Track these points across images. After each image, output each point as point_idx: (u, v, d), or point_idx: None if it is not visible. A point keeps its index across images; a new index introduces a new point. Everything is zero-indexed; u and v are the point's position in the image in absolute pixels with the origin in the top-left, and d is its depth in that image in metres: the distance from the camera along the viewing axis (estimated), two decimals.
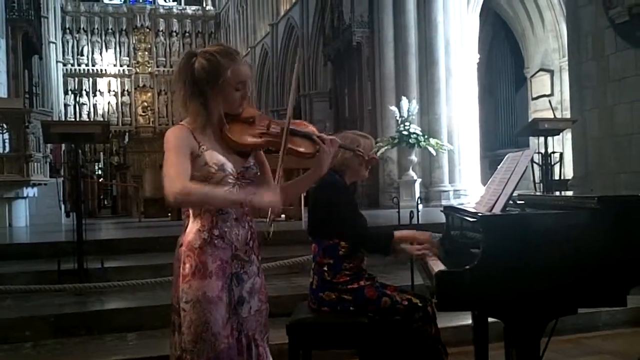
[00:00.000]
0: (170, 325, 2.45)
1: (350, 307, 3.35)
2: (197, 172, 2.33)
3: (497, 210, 2.91)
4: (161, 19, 33.27)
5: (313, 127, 2.57)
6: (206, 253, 2.35)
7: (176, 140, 2.34)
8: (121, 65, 32.55)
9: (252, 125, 2.44)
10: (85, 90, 31.80)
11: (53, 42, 25.76)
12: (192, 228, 2.40)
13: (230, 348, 2.35)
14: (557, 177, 8.62)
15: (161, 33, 33.12)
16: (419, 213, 5.06)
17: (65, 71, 30.35)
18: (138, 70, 32.64)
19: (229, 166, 2.38)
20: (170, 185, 2.24)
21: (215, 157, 2.36)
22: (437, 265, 3.04)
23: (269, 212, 2.36)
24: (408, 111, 13.49)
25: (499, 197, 2.98)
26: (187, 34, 33.43)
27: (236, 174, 2.41)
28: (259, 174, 2.50)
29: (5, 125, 10.37)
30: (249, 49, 29.02)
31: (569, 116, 12.25)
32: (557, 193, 5.46)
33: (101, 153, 25.94)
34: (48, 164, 11.48)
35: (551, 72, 17.46)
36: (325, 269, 3.39)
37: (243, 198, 2.34)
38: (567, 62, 12.03)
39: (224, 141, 2.41)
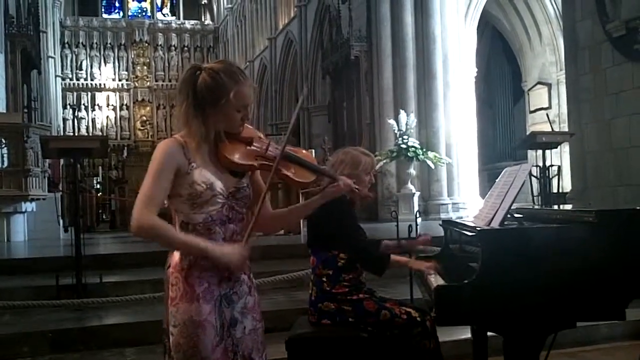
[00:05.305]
0: (162, 346, 2.39)
1: (350, 318, 3.35)
2: (186, 190, 2.26)
3: (495, 224, 2.91)
4: (160, 34, 33.37)
5: (307, 153, 2.51)
6: (193, 276, 2.28)
7: (161, 159, 2.25)
8: (120, 80, 32.59)
9: (249, 146, 2.36)
10: (83, 104, 31.81)
11: (52, 57, 25.87)
12: None
13: None
14: (555, 190, 8.62)
15: (160, 47, 33.20)
16: (418, 226, 5.07)
17: (64, 85, 30.43)
18: (137, 85, 32.67)
19: (219, 185, 2.29)
20: (137, 212, 2.19)
21: (204, 175, 2.27)
22: (436, 280, 3.05)
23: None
24: (406, 124, 13.52)
25: (497, 211, 2.98)
26: (185, 49, 33.52)
27: (227, 193, 2.31)
28: (250, 196, 2.39)
29: (3, 140, 10.37)
30: (248, 63, 29.06)
31: (566, 129, 12.26)
32: (555, 206, 5.48)
33: (100, 167, 25.88)
34: (46, 178, 11.48)
35: (549, 86, 17.53)
36: (324, 279, 3.40)
37: (204, 248, 2.24)
38: (564, 76, 12.08)
39: (218, 159, 2.32)
